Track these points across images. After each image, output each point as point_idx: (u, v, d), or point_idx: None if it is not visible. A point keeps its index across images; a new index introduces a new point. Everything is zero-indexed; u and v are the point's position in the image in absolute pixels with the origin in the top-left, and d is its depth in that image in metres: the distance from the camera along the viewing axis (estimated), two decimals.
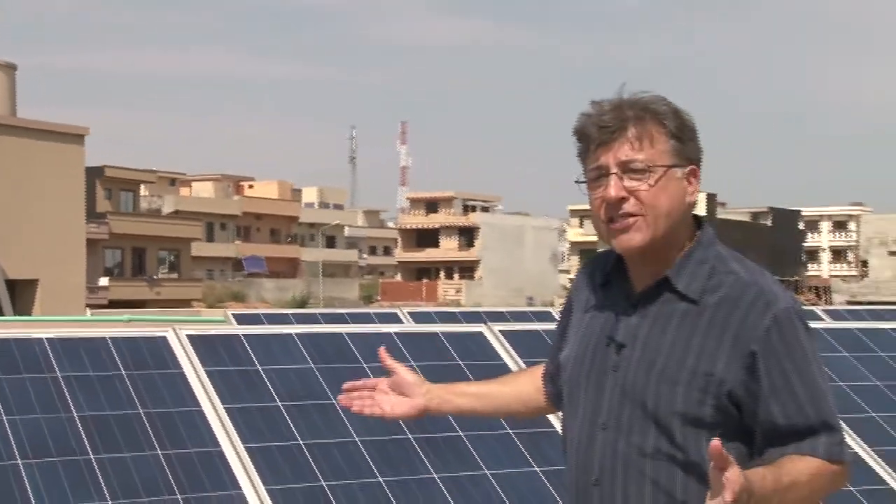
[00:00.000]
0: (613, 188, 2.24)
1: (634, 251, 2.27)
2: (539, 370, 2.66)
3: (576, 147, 2.33)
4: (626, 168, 2.24)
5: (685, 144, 2.27)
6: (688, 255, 2.29)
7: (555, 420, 4.01)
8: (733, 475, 1.96)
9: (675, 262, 2.29)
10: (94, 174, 51.60)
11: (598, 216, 2.30)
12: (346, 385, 2.58)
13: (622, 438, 2.25)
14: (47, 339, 4.00)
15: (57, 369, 3.88)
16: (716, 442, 1.96)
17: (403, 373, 2.55)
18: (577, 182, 2.33)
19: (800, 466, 2.17)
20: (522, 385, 2.66)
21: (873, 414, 4.69)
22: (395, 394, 2.55)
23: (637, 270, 2.33)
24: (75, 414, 3.74)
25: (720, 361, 2.20)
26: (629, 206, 2.24)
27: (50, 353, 3.93)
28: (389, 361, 2.56)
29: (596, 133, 2.26)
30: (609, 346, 2.31)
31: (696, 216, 2.36)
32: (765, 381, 2.19)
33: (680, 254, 2.29)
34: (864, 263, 68.19)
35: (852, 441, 4.47)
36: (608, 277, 2.39)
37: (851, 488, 4.23)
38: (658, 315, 2.27)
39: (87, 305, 36.41)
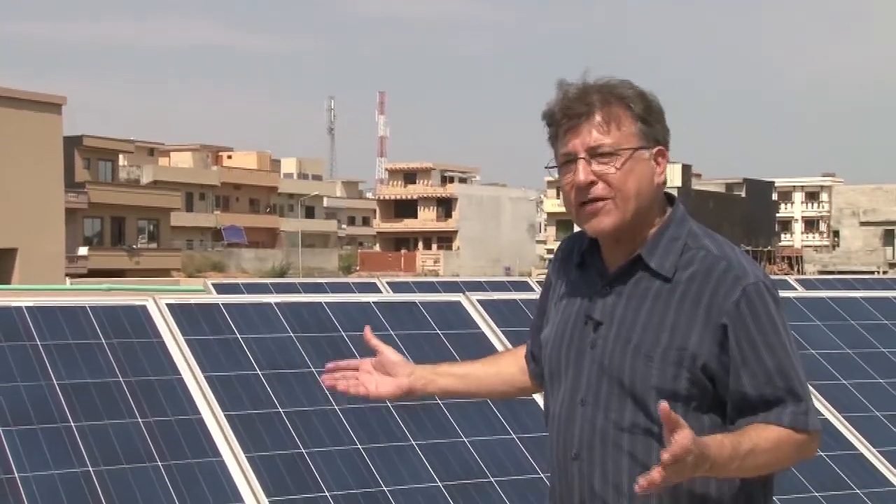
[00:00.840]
0: (582, 173, 2.28)
1: (605, 234, 2.32)
2: (522, 350, 2.68)
3: (546, 132, 2.36)
4: (594, 152, 2.28)
5: (652, 126, 2.31)
6: (660, 232, 2.33)
7: None
8: (682, 437, 2.01)
9: (648, 240, 2.32)
10: (73, 144, 51.27)
11: (569, 200, 2.34)
12: (329, 365, 2.58)
13: (600, 413, 2.29)
14: (27, 307, 4.00)
15: (37, 337, 3.89)
16: (664, 403, 2.01)
17: (388, 353, 2.56)
18: (547, 168, 2.38)
19: (763, 434, 2.21)
20: (506, 365, 2.68)
21: (844, 381, 4.75)
22: (380, 374, 2.56)
23: (610, 250, 2.37)
24: (55, 382, 3.76)
25: (693, 336, 2.24)
26: (598, 190, 2.28)
27: (29, 322, 3.94)
28: (375, 341, 2.56)
29: (563, 119, 2.30)
30: (587, 324, 2.35)
31: (667, 194, 2.40)
32: (735, 352, 2.23)
33: (652, 231, 2.33)
34: (836, 234, 68.58)
35: (823, 408, 4.54)
36: (583, 257, 2.42)
37: (822, 453, 4.29)
38: (633, 293, 2.31)
39: (67, 275, 36.30)
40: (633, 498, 2.24)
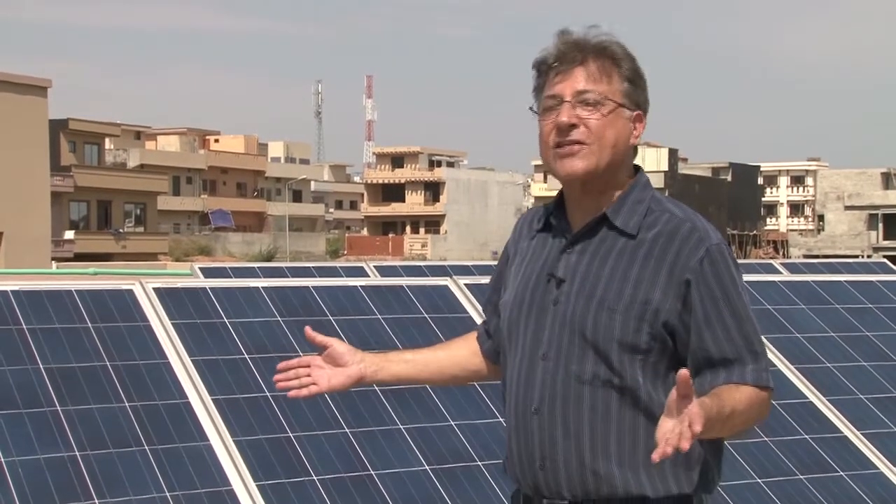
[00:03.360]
0: (566, 114, 2.34)
1: (577, 177, 2.36)
2: (473, 335, 2.72)
3: (533, 80, 2.42)
4: (581, 98, 2.34)
5: (636, 89, 2.39)
6: (626, 194, 2.39)
7: None
8: (696, 409, 2.03)
9: (614, 201, 2.38)
10: (58, 127, 51.03)
11: (545, 142, 2.38)
12: (280, 365, 2.58)
13: (561, 367, 2.34)
14: (12, 291, 3.99)
15: (22, 321, 3.89)
16: (684, 371, 2.04)
17: (336, 345, 2.58)
18: (530, 109, 2.42)
19: (737, 396, 2.26)
20: (458, 349, 2.72)
21: (828, 364, 4.78)
22: (331, 366, 2.58)
23: (575, 209, 2.42)
24: (41, 366, 3.75)
25: (656, 290, 2.29)
26: (578, 133, 2.34)
27: (15, 306, 3.93)
28: (320, 338, 2.58)
29: (556, 63, 2.36)
30: (549, 282, 2.39)
31: (634, 165, 2.46)
32: (698, 310, 2.30)
33: (618, 194, 2.39)
34: (821, 218, 68.87)
35: (807, 390, 4.57)
36: (547, 221, 2.47)
37: (806, 436, 4.33)
38: (597, 250, 2.37)
39: (53, 258, 36.19)
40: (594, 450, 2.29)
